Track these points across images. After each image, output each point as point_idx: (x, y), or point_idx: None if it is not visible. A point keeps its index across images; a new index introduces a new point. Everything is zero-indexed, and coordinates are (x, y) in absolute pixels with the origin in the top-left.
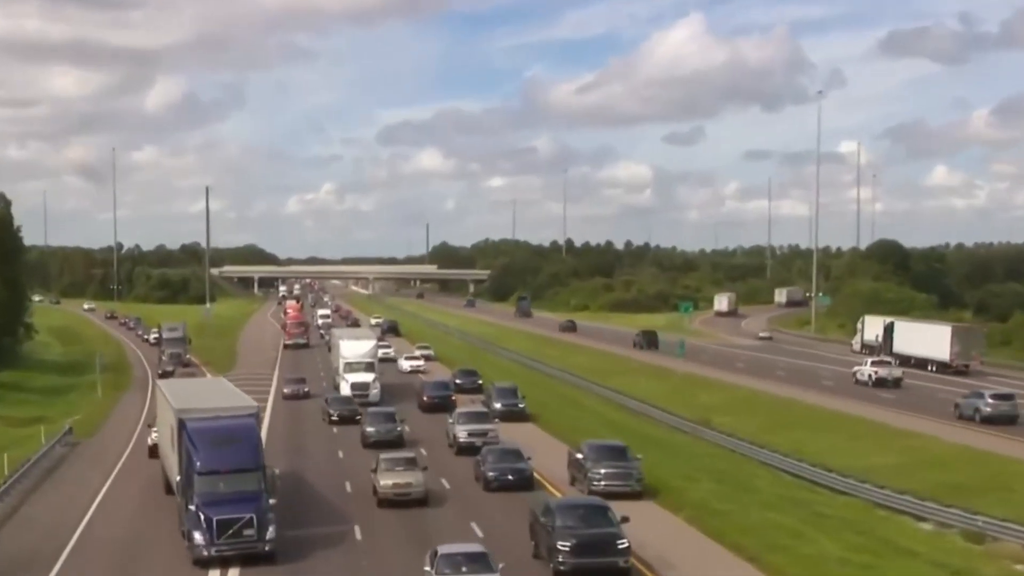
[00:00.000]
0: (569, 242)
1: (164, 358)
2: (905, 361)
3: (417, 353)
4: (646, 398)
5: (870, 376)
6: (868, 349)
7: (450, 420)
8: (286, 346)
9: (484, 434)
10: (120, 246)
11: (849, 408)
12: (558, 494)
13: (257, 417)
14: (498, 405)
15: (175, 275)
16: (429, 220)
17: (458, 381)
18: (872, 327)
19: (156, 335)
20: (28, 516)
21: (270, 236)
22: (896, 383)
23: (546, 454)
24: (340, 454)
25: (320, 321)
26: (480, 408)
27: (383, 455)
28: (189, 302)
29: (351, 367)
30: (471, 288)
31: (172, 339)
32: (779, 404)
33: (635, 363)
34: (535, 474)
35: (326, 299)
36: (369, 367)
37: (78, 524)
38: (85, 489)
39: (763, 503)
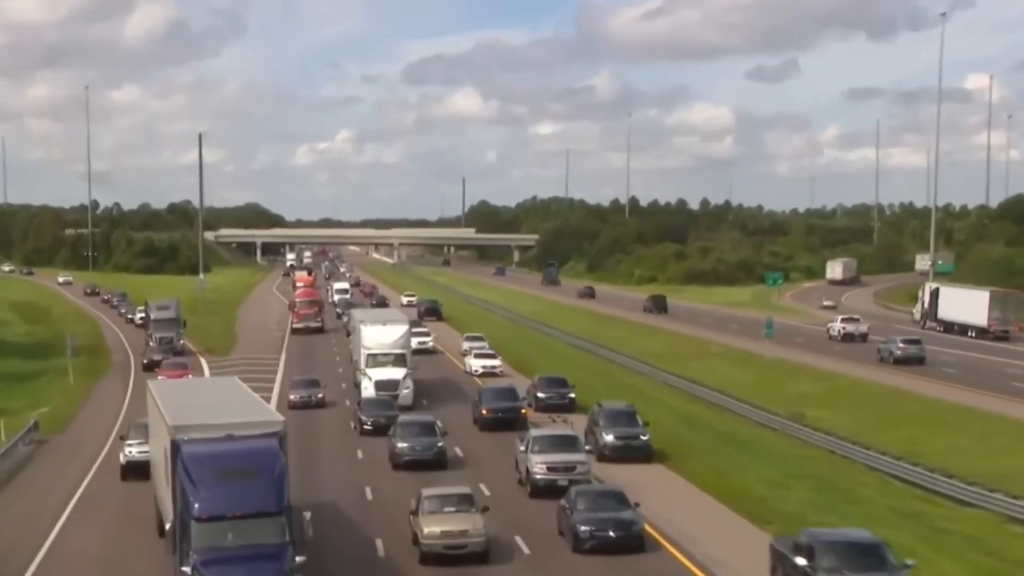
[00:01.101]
0: (633, 201)
1: (151, 344)
2: (948, 327)
3: (484, 348)
4: (727, 388)
5: (839, 331)
6: (924, 318)
7: (520, 446)
8: (295, 330)
9: (571, 468)
10: (95, 204)
11: (955, 396)
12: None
13: (282, 438)
14: (610, 437)
15: (162, 240)
16: (466, 175)
17: (541, 395)
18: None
19: (142, 314)
20: None
21: (275, 193)
22: (863, 338)
23: (673, 503)
24: (368, 492)
25: (336, 297)
26: (565, 430)
27: (427, 492)
28: (179, 272)
29: (376, 360)
30: (516, 256)
31: (162, 320)
32: (888, 395)
33: (715, 347)
34: (649, 529)
35: (343, 269)
36: (399, 360)
37: (44, 540)
38: (53, 496)
39: (870, 516)
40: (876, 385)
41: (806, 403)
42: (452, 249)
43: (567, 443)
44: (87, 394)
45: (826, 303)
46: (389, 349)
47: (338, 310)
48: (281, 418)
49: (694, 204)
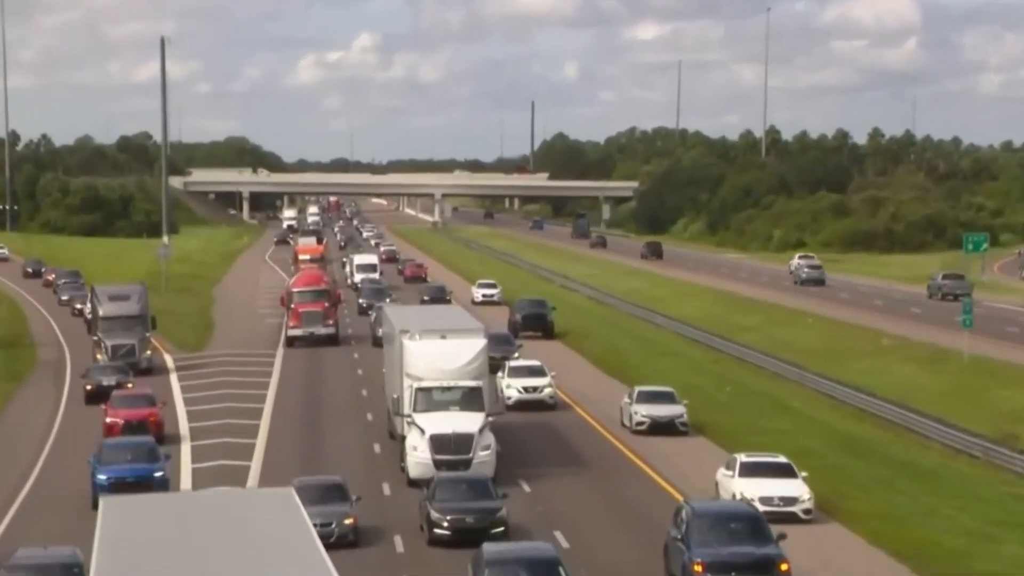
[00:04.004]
0: (773, 133)
1: (102, 356)
2: None
3: (679, 412)
4: (906, 398)
5: (796, 267)
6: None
7: None
8: (291, 340)
9: None
10: (15, 137)
11: None
12: None
13: None
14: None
15: (110, 188)
16: (535, 98)
17: None
18: None
19: (89, 305)
20: None
21: (268, 124)
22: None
23: (832, 566)
24: None
25: (358, 278)
26: None
27: None
28: (133, 233)
29: (431, 399)
30: (606, 211)
31: (117, 319)
32: None
33: (888, 339)
34: None
35: (367, 234)
36: (471, 399)
37: None
38: None
39: None
40: None
41: (1022, 420)
42: (515, 202)
43: None
44: (1, 407)
45: None
46: (453, 379)
47: (362, 301)
48: None
49: (860, 137)
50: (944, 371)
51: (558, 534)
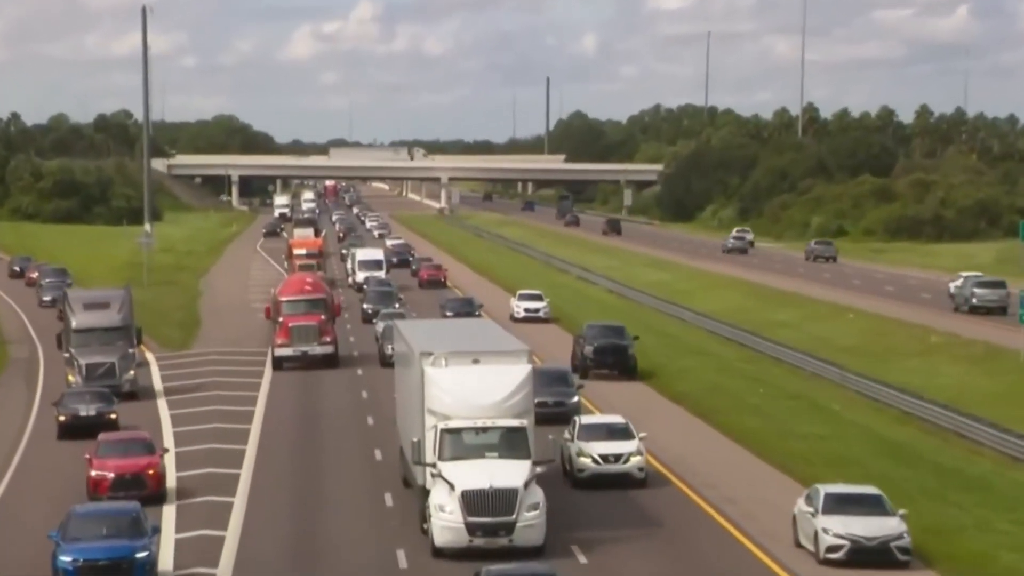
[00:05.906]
0: (811, 111)
1: (75, 378)
2: None
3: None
4: (957, 401)
5: (726, 239)
6: None
7: None
8: (279, 363)
9: None
10: None
11: None
12: None
13: None
14: None
15: (87, 171)
16: (551, 73)
17: None
18: None
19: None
20: None
21: (259, 102)
22: (750, 244)
23: None
24: None
25: (360, 276)
26: None
27: None
28: (112, 220)
29: (462, 445)
30: (627, 197)
31: (96, 330)
32: None
33: (938, 336)
34: None
35: (370, 224)
36: (513, 444)
37: None
38: None
39: None
40: None
41: None
42: (529, 186)
43: None
44: None
45: None
46: (490, 418)
47: (367, 306)
48: None
49: (906, 115)
50: (998, 371)
51: None
